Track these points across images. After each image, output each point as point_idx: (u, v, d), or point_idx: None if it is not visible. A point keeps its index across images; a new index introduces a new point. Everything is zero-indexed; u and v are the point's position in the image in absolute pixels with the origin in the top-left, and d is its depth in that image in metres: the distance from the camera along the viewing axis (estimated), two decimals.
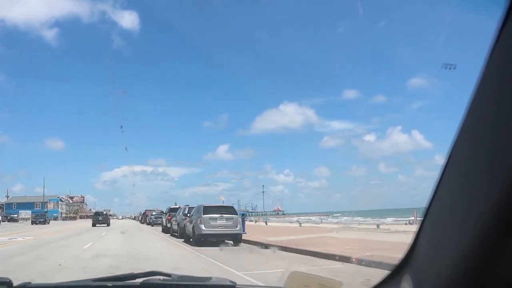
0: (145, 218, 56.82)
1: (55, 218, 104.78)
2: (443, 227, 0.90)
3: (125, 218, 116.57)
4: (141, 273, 1.75)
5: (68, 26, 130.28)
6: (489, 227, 0.71)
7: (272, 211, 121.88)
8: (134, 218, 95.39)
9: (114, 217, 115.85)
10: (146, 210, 60.80)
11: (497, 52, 0.73)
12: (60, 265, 9.54)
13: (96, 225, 40.92)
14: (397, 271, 1.17)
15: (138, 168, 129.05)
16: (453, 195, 0.87)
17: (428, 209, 0.98)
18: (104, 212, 56.00)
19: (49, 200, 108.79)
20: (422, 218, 1.03)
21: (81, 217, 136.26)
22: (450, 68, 1.85)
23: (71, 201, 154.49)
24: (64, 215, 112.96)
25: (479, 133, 0.78)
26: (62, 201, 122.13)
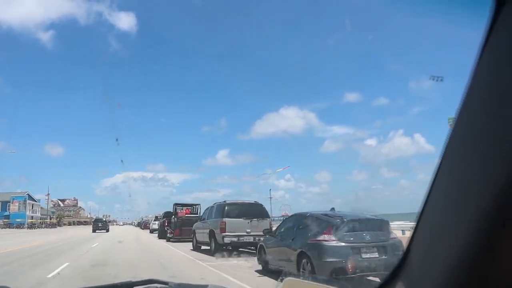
0: (177, 227, 21.28)
1: (19, 226, 69.18)
2: (436, 232, 0.90)
3: (126, 224, 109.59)
4: (139, 281, 1.75)
5: (64, 31, 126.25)
6: (481, 230, 0.71)
7: (280, 217, 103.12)
8: (138, 225, 79.47)
9: (115, 223, 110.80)
10: (177, 205, 24.71)
11: (484, 57, 0.75)
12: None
13: (96, 231, 40.64)
14: (392, 277, 1.16)
15: (138, 174, 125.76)
16: (445, 200, 0.87)
17: (421, 214, 0.97)
18: (104, 219, 56.07)
19: (12, 199, 72.59)
20: (415, 223, 1.02)
21: (70, 224, 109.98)
22: (437, 80, 1.90)
23: (61, 204, 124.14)
24: (31, 221, 76.39)
25: (470, 137, 0.79)
26: (36, 201, 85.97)
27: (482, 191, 0.71)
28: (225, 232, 13.02)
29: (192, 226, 22.44)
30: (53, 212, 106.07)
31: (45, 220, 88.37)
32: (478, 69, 0.76)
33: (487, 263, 0.72)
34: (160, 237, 27.08)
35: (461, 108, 0.80)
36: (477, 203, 0.71)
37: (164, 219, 27.01)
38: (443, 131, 0.90)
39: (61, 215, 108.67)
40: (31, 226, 71.37)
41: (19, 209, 74.69)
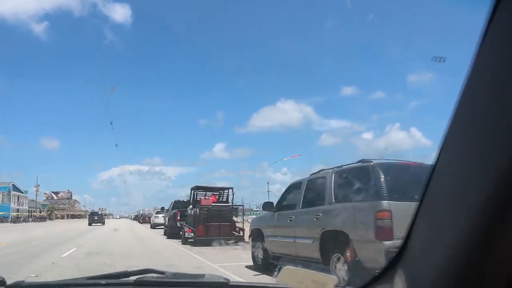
0: (201, 222, 13.21)
1: (3, 219, 61.14)
2: (435, 222, 0.91)
3: (123, 217, 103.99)
4: (135, 271, 1.73)
5: (58, 22, 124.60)
6: (480, 221, 0.71)
7: None
8: (135, 219, 73.50)
9: (110, 217, 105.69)
10: (197, 190, 16.39)
11: (486, 44, 0.74)
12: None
13: (92, 224, 42.77)
14: (391, 266, 1.18)
15: (134, 167, 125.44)
16: (444, 190, 0.88)
17: (420, 204, 0.99)
18: (100, 212, 58.79)
19: None
20: (414, 213, 1.03)
21: (63, 217, 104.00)
22: (439, 61, 1.95)
23: (55, 197, 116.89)
24: (16, 214, 68.32)
25: (469, 127, 0.78)
26: (22, 192, 77.85)
27: (481, 182, 0.70)
28: (392, 237, 4.60)
29: (223, 221, 14.41)
30: (43, 205, 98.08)
31: (34, 213, 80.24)
32: (480, 51, 0.74)
33: (486, 253, 0.71)
34: (169, 236, 19.04)
35: (460, 98, 0.78)
36: (476, 194, 0.71)
37: (176, 210, 18.92)
38: (440, 125, 0.86)
39: (53, 208, 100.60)
40: (16, 219, 63.37)
41: (2, 201, 66.75)
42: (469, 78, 0.76)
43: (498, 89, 0.68)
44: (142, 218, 58.16)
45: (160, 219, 32.82)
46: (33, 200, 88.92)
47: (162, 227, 32.15)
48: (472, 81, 0.76)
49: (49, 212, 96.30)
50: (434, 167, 0.89)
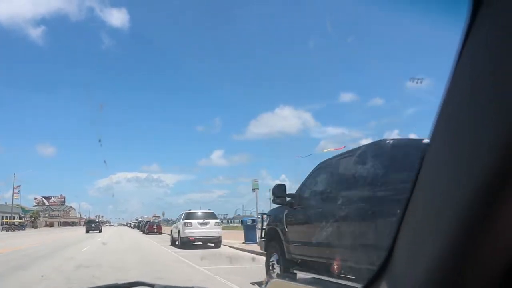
0: None
1: None
2: (418, 232, 0.91)
3: (121, 225, 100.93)
4: (124, 284, 1.74)
5: (54, 28, 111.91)
6: (461, 231, 0.72)
7: None
8: (136, 227, 65.07)
9: (107, 225, 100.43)
10: None
11: (463, 58, 0.76)
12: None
13: (89, 231, 43.80)
14: (375, 279, 1.16)
15: (132, 175, 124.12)
16: (426, 200, 0.88)
17: (403, 214, 0.97)
18: (97, 220, 56.20)
19: None
20: (398, 224, 1.00)
21: (51, 225, 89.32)
22: (417, 82, 1.86)
23: (46, 203, 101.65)
24: None
25: (449, 139, 0.80)
26: None
27: (464, 191, 0.71)
28: None
29: None
30: (25, 211, 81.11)
31: (5, 220, 63.40)
32: (456, 70, 0.76)
33: (470, 264, 0.73)
34: None
35: (440, 110, 0.80)
36: (456, 204, 0.72)
37: None
38: None
39: (37, 214, 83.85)
40: None
41: None
42: (447, 93, 0.77)
43: (475, 109, 0.70)
44: (148, 227, 41.81)
45: (203, 229, 16.36)
46: (18, 205, 72.68)
47: (214, 245, 15.94)
48: (450, 97, 0.77)
49: (32, 218, 79.77)
50: (416, 178, 0.88)
